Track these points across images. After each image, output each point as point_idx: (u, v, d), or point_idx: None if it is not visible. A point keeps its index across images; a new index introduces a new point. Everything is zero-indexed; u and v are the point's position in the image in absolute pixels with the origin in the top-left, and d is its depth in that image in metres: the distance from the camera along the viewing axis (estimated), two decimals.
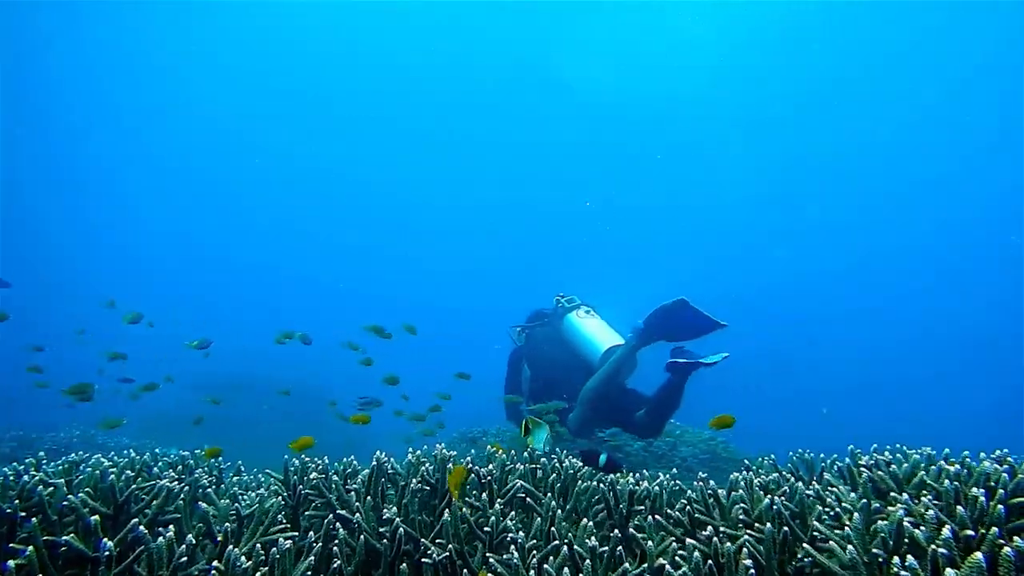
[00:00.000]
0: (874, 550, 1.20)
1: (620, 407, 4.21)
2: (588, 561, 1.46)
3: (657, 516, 1.64)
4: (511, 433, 4.75)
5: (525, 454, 2.19)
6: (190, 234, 25.93)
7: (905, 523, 1.18)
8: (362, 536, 1.78)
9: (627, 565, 1.54)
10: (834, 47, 19.86)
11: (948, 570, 1.02)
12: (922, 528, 1.18)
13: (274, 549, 1.65)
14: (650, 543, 1.49)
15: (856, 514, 1.24)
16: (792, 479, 1.99)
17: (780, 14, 19.36)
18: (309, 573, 1.69)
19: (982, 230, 22.62)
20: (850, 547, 1.21)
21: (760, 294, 25.23)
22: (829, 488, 1.66)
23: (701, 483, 1.85)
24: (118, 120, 22.26)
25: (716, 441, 5.17)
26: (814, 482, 2.02)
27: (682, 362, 3.85)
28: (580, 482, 1.95)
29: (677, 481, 2.12)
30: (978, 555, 1.02)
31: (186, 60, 21.42)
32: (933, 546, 1.08)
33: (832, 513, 1.43)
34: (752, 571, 1.31)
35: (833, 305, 24.38)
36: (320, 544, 1.77)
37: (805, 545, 1.27)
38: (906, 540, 1.16)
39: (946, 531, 1.08)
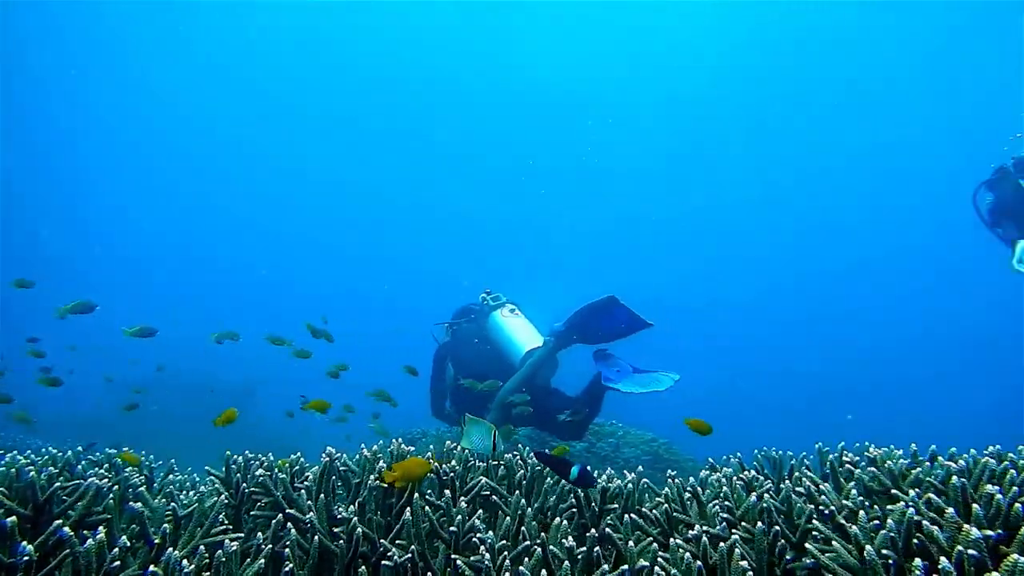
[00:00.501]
0: (884, 551, 1.06)
1: (542, 408, 4.12)
2: (566, 563, 1.31)
3: (632, 515, 1.50)
4: (451, 434, 4.67)
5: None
6: (184, 236, 25.83)
7: (924, 522, 1.03)
8: (316, 537, 1.63)
9: (605, 567, 1.40)
10: (834, 48, 19.75)
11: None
12: (939, 528, 1.03)
13: (219, 552, 1.51)
14: (630, 543, 1.35)
15: (862, 512, 1.10)
16: (762, 478, 1.85)
17: (778, 15, 19.25)
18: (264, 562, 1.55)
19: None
20: (869, 548, 1.06)
21: (760, 295, 25.11)
22: (815, 487, 1.51)
23: (676, 480, 1.71)
24: (109, 123, 22.21)
25: (658, 443, 5.16)
26: (802, 481, 1.88)
27: (620, 392, 3.78)
28: (548, 479, 1.81)
29: (646, 480, 1.98)
30: (1018, 557, 0.88)
31: (177, 62, 21.34)
32: (960, 547, 0.93)
33: (826, 512, 1.29)
34: (750, 574, 1.17)
35: (833, 305, 24.24)
36: (269, 546, 1.62)
37: (809, 546, 1.13)
38: (915, 541, 1.02)
39: (973, 531, 0.94)
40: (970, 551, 0.92)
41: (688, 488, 1.58)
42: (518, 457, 2.00)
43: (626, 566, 1.41)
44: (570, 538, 1.41)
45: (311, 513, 1.67)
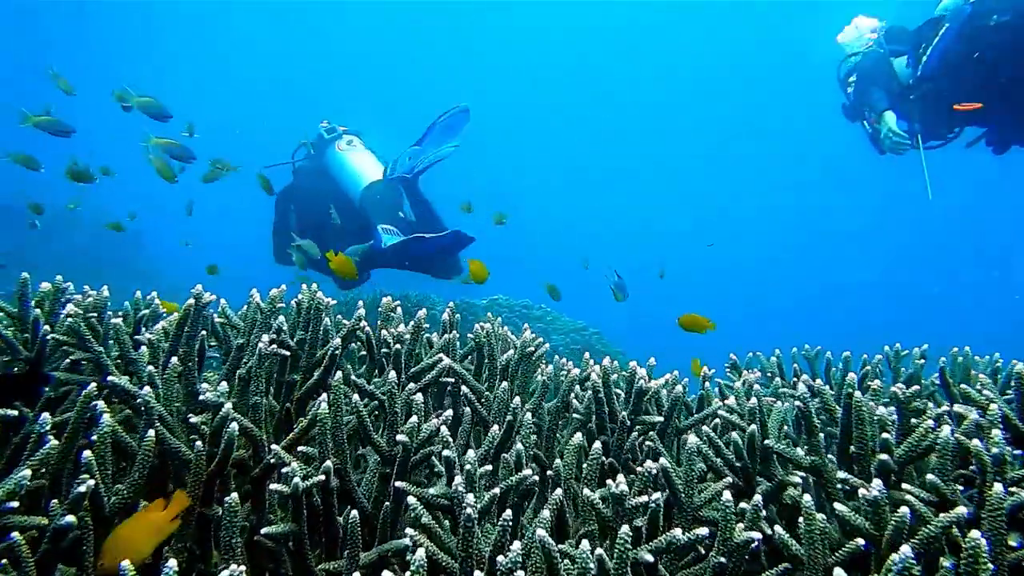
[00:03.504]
0: None
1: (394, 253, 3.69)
2: (625, 530, 0.63)
3: (694, 437, 0.80)
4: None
5: (445, 317, 1.28)
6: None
7: None
8: (155, 429, 0.92)
9: (678, 531, 0.72)
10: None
11: None
12: None
13: None
14: (716, 486, 0.66)
15: None
16: (926, 399, 1.20)
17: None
18: (23, 492, 0.82)
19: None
20: None
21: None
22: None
23: (745, 378, 1.03)
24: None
25: (589, 332, 4.98)
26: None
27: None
28: (541, 364, 1.12)
29: (686, 380, 1.29)
30: None
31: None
32: None
33: None
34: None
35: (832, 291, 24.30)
36: (65, 441, 0.90)
37: None
38: None
39: None
40: None
41: (797, 400, 0.88)
42: (493, 332, 1.23)
43: (703, 530, 0.74)
44: (621, 478, 0.72)
45: (150, 387, 0.94)
